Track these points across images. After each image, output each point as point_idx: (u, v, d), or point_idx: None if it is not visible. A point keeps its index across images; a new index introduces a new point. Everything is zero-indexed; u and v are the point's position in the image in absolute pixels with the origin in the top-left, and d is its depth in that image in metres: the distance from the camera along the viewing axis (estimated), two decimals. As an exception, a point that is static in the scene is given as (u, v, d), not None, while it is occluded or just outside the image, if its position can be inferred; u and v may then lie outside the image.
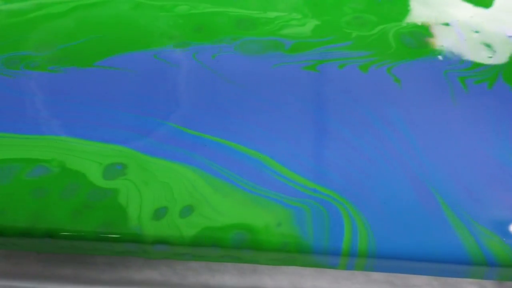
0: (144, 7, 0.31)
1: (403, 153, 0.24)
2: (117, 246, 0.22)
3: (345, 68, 0.28)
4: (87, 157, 0.24)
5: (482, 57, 0.28)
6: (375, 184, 0.23)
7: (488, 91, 0.27)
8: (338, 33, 0.29)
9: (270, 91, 0.27)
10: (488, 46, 0.29)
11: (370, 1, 0.32)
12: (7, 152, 0.24)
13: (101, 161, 0.24)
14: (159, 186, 0.23)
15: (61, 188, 0.23)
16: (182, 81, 0.27)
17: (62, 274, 0.26)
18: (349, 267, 0.22)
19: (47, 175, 0.23)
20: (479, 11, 0.31)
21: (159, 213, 0.22)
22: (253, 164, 0.24)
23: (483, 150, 0.24)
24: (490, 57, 0.28)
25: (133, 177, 0.23)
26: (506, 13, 0.31)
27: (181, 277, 0.26)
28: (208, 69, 0.28)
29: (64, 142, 0.24)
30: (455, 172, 0.24)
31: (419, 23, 0.30)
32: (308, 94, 0.27)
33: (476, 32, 0.30)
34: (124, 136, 0.25)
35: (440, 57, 0.28)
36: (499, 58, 0.28)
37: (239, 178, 0.23)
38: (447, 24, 0.30)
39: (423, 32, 0.30)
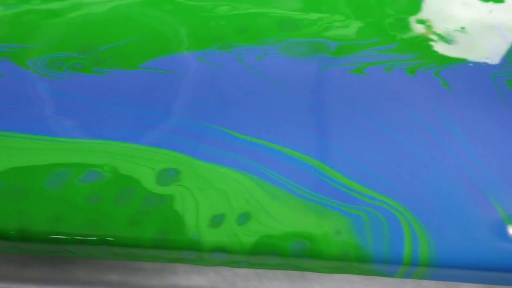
0: (184, 8, 0.30)
1: (457, 158, 0.24)
2: (174, 254, 0.22)
3: (392, 72, 0.27)
4: (139, 162, 0.23)
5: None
6: (430, 190, 0.23)
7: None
8: (383, 35, 0.29)
9: (318, 94, 0.26)
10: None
11: (412, 2, 0.31)
12: (58, 156, 0.23)
13: (153, 166, 0.23)
14: (214, 193, 0.23)
15: (115, 194, 0.22)
16: (229, 84, 0.27)
17: (108, 280, 0.25)
18: (406, 275, 0.22)
19: (100, 180, 0.23)
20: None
21: (216, 220, 0.22)
22: (307, 170, 0.23)
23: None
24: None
25: (187, 183, 0.23)
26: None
27: (229, 284, 0.25)
28: (254, 71, 0.27)
29: (115, 146, 0.24)
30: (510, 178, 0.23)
31: (463, 26, 0.30)
32: (357, 98, 0.26)
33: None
34: (175, 140, 0.24)
35: (486, 60, 0.28)
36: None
37: (294, 185, 0.23)
38: (491, 27, 0.30)
39: (467, 35, 0.29)
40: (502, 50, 0.28)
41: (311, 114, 0.25)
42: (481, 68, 0.28)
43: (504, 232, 0.22)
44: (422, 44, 0.29)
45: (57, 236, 0.21)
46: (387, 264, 0.21)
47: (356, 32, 0.29)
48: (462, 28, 0.30)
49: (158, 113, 0.25)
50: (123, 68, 0.27)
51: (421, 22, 0.30)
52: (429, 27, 0.29)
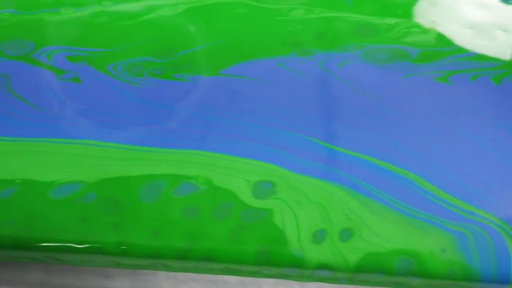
0: (258, 11, 0.29)
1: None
2: (275, 270, 0.21)
3: (477, 80, 0.26)
4: (234, 174, 0.23)
5: None
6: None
7: None
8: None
9: (404, 103, 0.25)
10: None
11: (488, 7, 0.30)
12: (150, 167, 0.23)
13: (248, 178, 0.23)
14: (313, 207, 0.22)
15: (212, 207, 0.22)
16: (313, 91, 0.26)
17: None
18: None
19: (196, 193, 0.22)
20: None
21: (318, 236, 0.21)
22: (403, 184, 0.23)
23: None
24: None
25: (284, 197, 0.22)
26: None
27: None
28: (337, 78, 0.26)
29: (206, 157, 0.23)
30: None
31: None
32: (444, 108, 0.25)
33: None
34: (266, 151, 0.23)
35: None
36: None
37: (392, 199, 0.22)
38: None
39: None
40: None
41: (399, 123, 0.25)
42: None
43: None
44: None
45: (158, 251, 0.21)
46: (495, 284, 0.21)
47: (436, 38, 0.28)
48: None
49: (245, 122, 0.24)
50: (204, 74, 0.26)
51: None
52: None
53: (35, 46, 0.27)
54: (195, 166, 0.23)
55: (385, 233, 0.21)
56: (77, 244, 0.21)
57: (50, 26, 0.28)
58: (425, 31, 0.29)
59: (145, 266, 0.22)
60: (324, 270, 0.21)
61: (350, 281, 0.22)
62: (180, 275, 0.25)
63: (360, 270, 0.21)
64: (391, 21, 0.29)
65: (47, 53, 0.26)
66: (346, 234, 0.21)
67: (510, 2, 0.30)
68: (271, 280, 0.25)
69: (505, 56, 0.28)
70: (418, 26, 0.29)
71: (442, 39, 0.28)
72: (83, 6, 0.29)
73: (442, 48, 0.28)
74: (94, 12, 0.28)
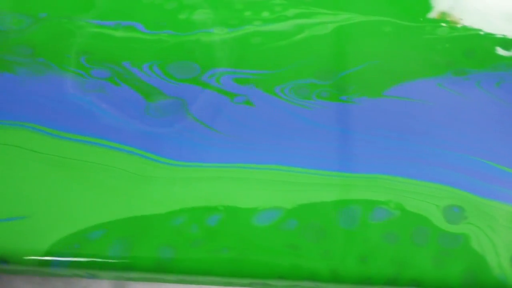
0: (405, 29, 0.29)
1: None
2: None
3: None
4: (423, 198, 0.23)
5: None
6: None
7: None
8: None
9: None
10: None
11: None
12: (340, 193, 0.23)
13: (437, 203, 0.23)
14: (505, 231, 0.22)
15: (410, 233, 0.22)
16: (475, 113, 0.26)
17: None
18: None
19: (390, 218, 0.23)
20: None
21: (516, 260, 0.22)
22: None
23: None
24: None
25: (476, 221, 0.23)
26: None
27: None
28: (497, 98, 0.27)
29: (392, 181, 0.23)
30: None
31: None
32: None
33: None
34: (450, 175, 0.24)
35: None
36: None
37: None
38: None
39: None
40: None
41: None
42: None
43: None
44: None
45: (368, 278, 0.21)
46: None
47: None
48: None
49: (420, 145, 0.25)
50: (368, 96, 0.26)
51: None
52: None
53: (200, 69, 0.27)
54: (385, 191, 0.23)
55: None
56: (288, 271, 0.21)
57: (209, 47, 0.28)
58: None
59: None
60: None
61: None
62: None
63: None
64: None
65: (215, 76, 0.26)
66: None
67: None
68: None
69: None
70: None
71: None
72: (236, 27, 0.29)
73: None
74: (247, 32, 0.28)
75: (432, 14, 0.28)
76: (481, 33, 0.29)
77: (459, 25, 0.29)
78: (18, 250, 0.21)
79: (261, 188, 0.23)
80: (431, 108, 0.26)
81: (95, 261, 0.21)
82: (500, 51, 0.28)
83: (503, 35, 0.29)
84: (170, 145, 0.24)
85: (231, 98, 0.26)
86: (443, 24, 0.29)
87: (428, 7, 0.30)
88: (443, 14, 0.28)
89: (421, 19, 0.29)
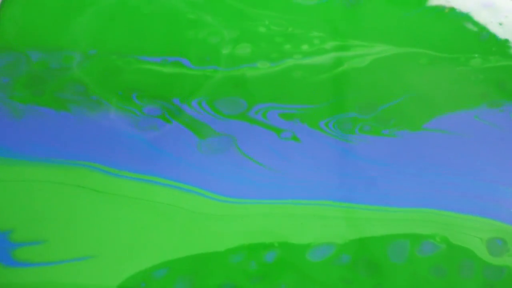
0: (439, 61, 0.30)
1: None
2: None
3: None
4: (466, 231, 0.24)
5: None
6: None
7: None
8: None
9: None
10: None
11: None
12: (388, 227, 0.24)
13: (480, 236, 0.24)
14: (547, 263, 0.23)
15: (456, 266, 0.23)
16: (510, 144, 0.27)
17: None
18: None
19: (438, 252, 0.24)
20: None
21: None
22: None
23: None
24: None
25: (519, 253, 0.24)
26: None
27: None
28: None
29: (436, 215, 0.24)
30: None
31: None
32: None
33: None
34: (490, 207, 0.25)
35: None
36: None
37: None
38: None
39: None
40: None
41: None
42: None
43: None
44: None
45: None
46: None
47: None
48: None
49: (461, 178, 0.26)
50: (409, 129, 0.27)
51: None
52: None
53: (247, 104, 0.28)
54: (430, 225, 0.24)
55: None
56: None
57: (253, 82, 0.28)
58: None
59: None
60: None
61: None
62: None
63: None
64: None
65: (261, 111, 0.27)
66: None
67: None
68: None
69: None
70: None
71: None
72: (277, 61, 0.29)
73: None
74: (289, 66, 0.29)
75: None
76: (509, 64, 0.30)
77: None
78: (86, 289, 0.22)
79: (313, 223, 0.24)
80: (469, 140, 0.27)
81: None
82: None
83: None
84: (223, 182, 0.25)
85: (278, 134, 0.26)
86: (476, 55, 0.30)
87: (461, 38, 0.31)
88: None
89: (455, 50, 0.30)
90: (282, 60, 0.29)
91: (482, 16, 0.31)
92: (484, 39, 0.30)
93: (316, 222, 0.24)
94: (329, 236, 0.23)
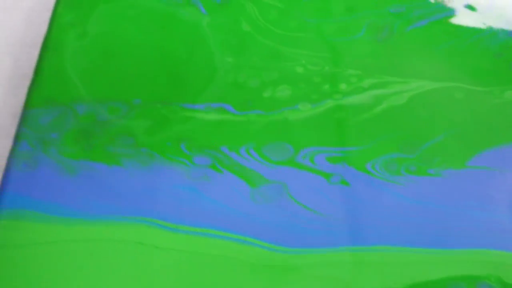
0: (475, 95, 0.30)
1: None
2: None
3: None
4: (518, 271, 0.25)
5: None
6: None
7: None
8: None
9: None
10: None
11: None
12: (443, 270, 0.24)
13: (531, 274, 0.25)
14: None
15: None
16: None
17: None
18: None
19: (494, 293, 0.24)
20: None
21: None
22: None
23: None
24: None
25: None
26: None
27: None
28: None
29: (488, 255, 0.25)
30: None
31: None
32: None
33: None
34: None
35: None
36: None
37: None
38: None
39: None
40: None
41: None
42: None
43: None
44: None
45: None
46: None
47: None
48: None
49: (508, 216, 0.26)
50: (454, 167, 0.28)
51: None
52: None
53: (293, 149, 0.28)
54: (483, 265, 0.25)
55: None
56: None
57: (297, 125, 0.29)
58: None
59: None
60: None
61: None
62: None
63: None
64: None
65: (308, 156, 0.28)
66: None
67: None
68: None
69: None
70: None
71: None
72: (318, 102, 0.29)
73: None
74: (330, 107, 0.29)
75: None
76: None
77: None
78: None
79: (371, 270, 0.24)
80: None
81: None
82: None
83: None
84: (280, 231, 0.25)
85: (327, 179, 0.27)
86: (510, 88, 0.30)
87: (493, 70, 0.31)
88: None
89: (489, 83, 0.30)
90: (322, 101, 0.29)
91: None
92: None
93: (374, 268, 0.24)
94: (388, 282, 0.24)
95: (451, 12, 0.33)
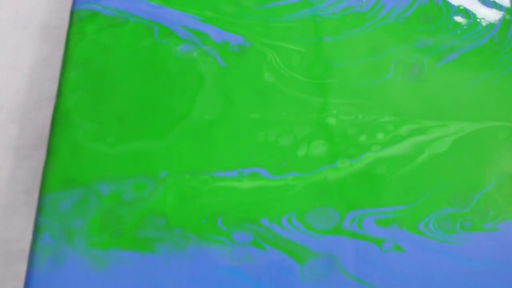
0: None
1: None
2: None
3: None
4: None
5: None
6: None
7: None
8: None
9: None
10: None
11: None
12: None
13: None
14: None
15: None
16: None
17: None
18: None
19: None
20: None
21: None
22: None
23: None
24: None
25: None
26: None
27: None
28: None
29: None
30: None
31: None
32: None
33: None
34: None
35: None
36: None
37: None
38: None
39: None
40: None
41: None
42: None
43: None
44: None
45: None
46: None
47: None
48: None
49: None
50: (509, 219, 0.26)
51: None
52: None
53: (338, 214, 0.25)
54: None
55: None
56: None
57: (338, 186, 0.26)
58: None
59: None
60: None
61: None
62: None
63: None
64: None
65: (355, 220, 0.25)
66: None
67: None
68: None
69: None
70: None
71: None
72: (356, 157, 0.27)
73: None
74: (370, 161, 0.27)
75: None
76: None
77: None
78: None
79: None
80: None
81: None
82: None
83: None
84: (336, 312, 0.23)
85: (379, 246, 0.24)
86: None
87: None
88: None
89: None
90: (361, 156, 0.27)
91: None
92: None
93: None
94: None
95: (480, 42, 0.31)
